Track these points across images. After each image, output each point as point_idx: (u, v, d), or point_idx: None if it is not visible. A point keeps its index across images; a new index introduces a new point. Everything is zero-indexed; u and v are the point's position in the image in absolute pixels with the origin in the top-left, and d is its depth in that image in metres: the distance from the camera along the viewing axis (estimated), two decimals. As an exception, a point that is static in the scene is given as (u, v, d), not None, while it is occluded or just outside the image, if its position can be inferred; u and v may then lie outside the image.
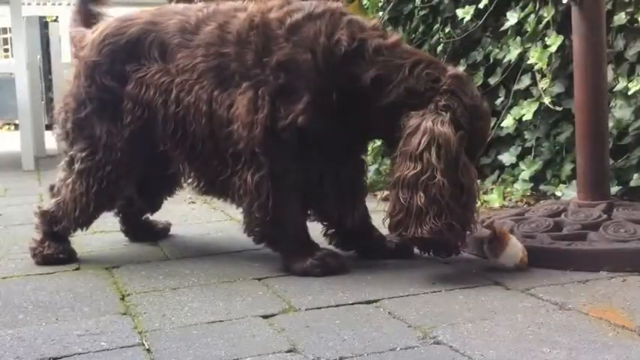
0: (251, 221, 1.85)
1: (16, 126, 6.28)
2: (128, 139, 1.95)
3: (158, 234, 2.34)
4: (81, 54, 2.03)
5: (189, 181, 2.01)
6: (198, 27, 1.90)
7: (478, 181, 1.81)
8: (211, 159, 1.88)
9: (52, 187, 2.10)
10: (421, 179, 1.66)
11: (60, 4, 5.52)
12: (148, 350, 1.34)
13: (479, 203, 1.86)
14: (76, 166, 1.98)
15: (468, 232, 1.75)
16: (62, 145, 2.10)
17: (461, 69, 2.97)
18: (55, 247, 2.03)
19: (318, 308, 1.55)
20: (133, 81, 1.93)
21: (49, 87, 6.78)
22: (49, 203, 2.07)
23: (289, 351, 1.31)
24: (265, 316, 1.51)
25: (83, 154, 1.98)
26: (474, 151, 1.78)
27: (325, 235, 1.98)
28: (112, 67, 1.95)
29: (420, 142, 1.67)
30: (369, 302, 1.58)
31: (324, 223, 1.98)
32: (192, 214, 2.68)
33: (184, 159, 1.94)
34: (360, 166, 1.99)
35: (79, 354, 1.34)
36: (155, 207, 2.33)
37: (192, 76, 1.86)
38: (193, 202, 2.86)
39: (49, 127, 6.31)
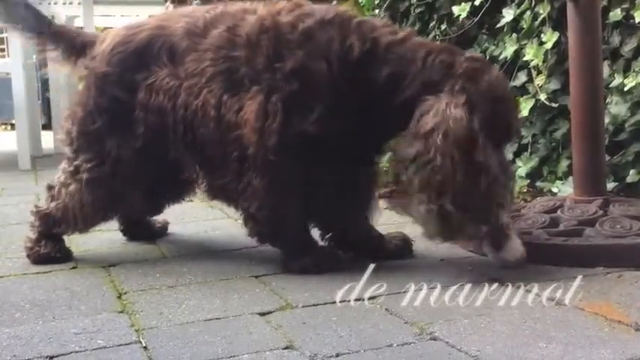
0: (255, 223, 1.84)
1: (13, 126, 6.28)
2: (140, 149, 1.92)
3: (156, 233, 2.34)
4: (91, 65, 1.99)
5: (202, 186, 1.98)
6: (206, 30, 1.86)
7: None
8: (220, 163, 1.84)
9: (50, 188, 2.07)
10: (420, 159, 1.63)
11: (56, 3, 5.50)
12: (145, 348, 1.35)
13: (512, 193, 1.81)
14: (83, 175, 1.96)
15: (489, 224, 1.69)
16: (62, 148, 2.08)
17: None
18: (51, 246, 2.03)
19: (314, 305, 1.55)
20: (144, 89, 1.89)
21: (45, 87, 6.77)
22: (47, 204, 2.06)
23: (286, 348, 1.32)
24: (262, 314, 1.51)
25: (89, 165, 1.95)
26: (498, 138, 1.71)
27: (323, 238, 1.96)
28: (122, 77, 1.92)
29: (427, 122, 1.63)
30: (365, 299, 1.58)
31: (323, 228, 1.95)
32: (189, 212, 2.68)
33: (195, 164, 1.91)
34: (372, 174, 1.95)
35: (76, 352, 1.34)
36: (156, 211, 2.31)
37: (201, 80, 1.82)
38: (191, 201, 2.85)
39: (45, 127, 6.34)
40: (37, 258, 2.02)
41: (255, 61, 1.78)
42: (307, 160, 1.78)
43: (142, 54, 1.91)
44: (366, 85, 1.74)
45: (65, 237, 2.10)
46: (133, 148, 1.92)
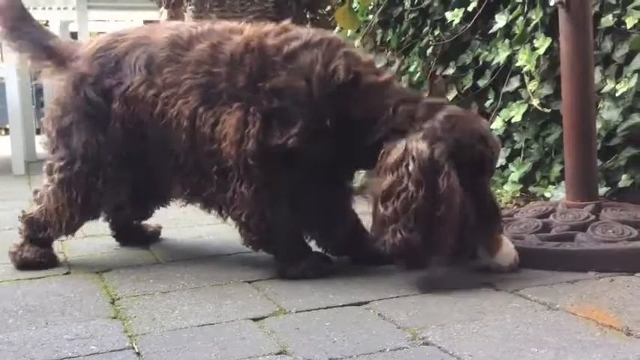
0: (249, 231, 1.85)
1: (7, 131, 6.27)
2: (113, 151, 1.94)
3: (149, 238, 2.34)
4: (72, 64, 2.01)
5: (175, 191, 2.03)
6: (190, 43, 1.89)
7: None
8: (194, 173, 1.88)
9: (35, 192, 2.09)
10: (395, 189, 1.65)
11: (50, 8, 5.50)
12: (138, 354, 1.35)
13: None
14: (55, 175, 1.98)
15: (442, 254, 1.66)
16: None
17: (450, 71, 3.01)
18: (34, 250, 2.03)
19: (308, 310, 1.56)
20: (117, 97, 1.91)
21: (39, 91, 6.76)
22: (32, 208, 2.06)
23: (279, 353, 1.32)
24: (255, 319, 1.51)
25: (61, 164, 1.97)
26: (469, 174, 1.68)
27: (318, 245, 1.97)
28: (99, 81, 1.95)
29: (395, 158, 1.67)
30: (359, 304, 1.59)
31: (314, 234, 1.97)
32: (183, 217, 2.68)
33: (168, 171, 1.94)
34: (346, 185, 1.98)
35: (69, 358, 1.34)
36: (144, 215, 2.32)
37: (178, 91, 1.85)
38: (184, 205, 2.85)
39: (39, 132, 6.32)
40: (20, 262, 2.02)
41: (236, 78, 1.81)
42: (290, 166, 1.79)
43: (120, 61, 1.94)
44: (343, 114, 1.77)
45: (56, 242, 2.10)
46: (106, 149, 1.94)
